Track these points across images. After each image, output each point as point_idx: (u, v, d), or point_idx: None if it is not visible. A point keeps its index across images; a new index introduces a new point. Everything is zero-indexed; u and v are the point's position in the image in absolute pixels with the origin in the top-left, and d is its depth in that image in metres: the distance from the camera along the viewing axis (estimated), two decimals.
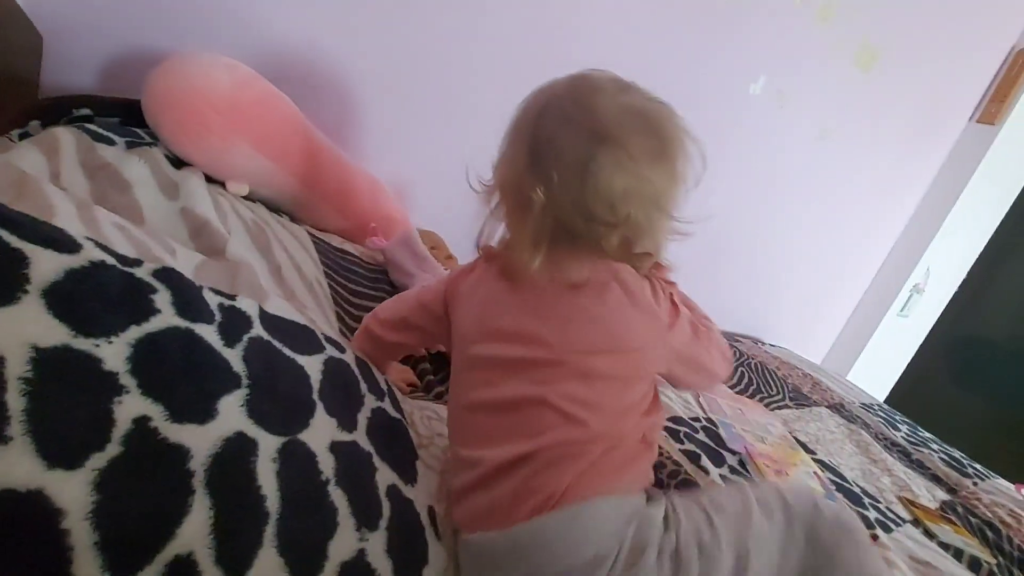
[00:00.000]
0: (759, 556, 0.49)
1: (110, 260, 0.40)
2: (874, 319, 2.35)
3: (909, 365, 2.62)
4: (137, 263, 0.42)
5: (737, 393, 1.36)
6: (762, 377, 1.55)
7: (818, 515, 0.53)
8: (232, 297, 0.48)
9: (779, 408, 1.37)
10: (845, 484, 1.07)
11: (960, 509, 1.18)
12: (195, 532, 0.32)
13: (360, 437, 0.50)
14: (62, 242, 0.38)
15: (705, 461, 0.92)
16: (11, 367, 0.30)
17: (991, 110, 2.06)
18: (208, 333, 0.42)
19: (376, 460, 0.50)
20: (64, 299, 0.34)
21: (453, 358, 0.58)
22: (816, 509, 0.54)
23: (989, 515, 1.19)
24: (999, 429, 2.70)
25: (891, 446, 1.41)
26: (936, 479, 1.31)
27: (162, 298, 0.41)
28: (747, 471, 0.95)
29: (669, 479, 0.79)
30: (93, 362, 0.33)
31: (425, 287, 0.66)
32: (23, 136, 0.66)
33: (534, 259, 0.52)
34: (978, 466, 1.54)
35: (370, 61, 1.08)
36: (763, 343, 2.06)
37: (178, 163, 0.74)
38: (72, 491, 0.29)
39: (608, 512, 0.47)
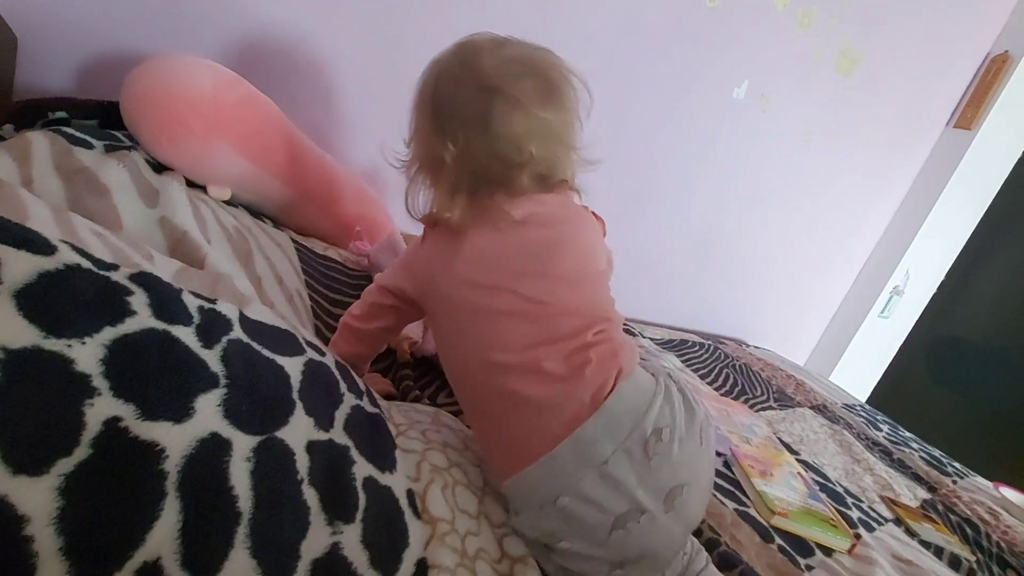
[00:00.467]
0: None
1: (86, 263, 0.40)
2: (855, 321, 2.38)
3: (890, 366, 2.66)
4: (113, 267, 0.42)
5: (722, 395, 1.37)
6: (747, 379, 1.57)
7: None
8: (212, 301, 0.48)
9: (763, 409, 1.38)
10: (828, 484, 1.09)
11: (940, 507, 1.20)
12: (164, 537, 0.32)
13: (337, 434, 0.49)
14: (36, 243, 0.37)
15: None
16: None
17: (967, 115, 2.11)
18: (185, 335, 0.41)
19: (353, 453, 0.49)
20: (36, 301, 0.34)
21: (448, 321, 0.61)
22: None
23: (968, 512, 1.22)
24: (977, 427, 2.75)
25: (873, 446, 1.43)
26: (917, 478, 1.33)
27: (138, 300, 0.40)
28: (732, 472, 0.96)
29: None
30: (65, 363, 0.33)
31: (380, 276, 0.70)
32: None
33: (452, 210, 0.59)
34: (957, 465, 1.56)
35: (354, 62, 1.08)
36: (747, 345, 2.08)
37: (159, 167, 0.73)
38: (36, 497, 0.28)
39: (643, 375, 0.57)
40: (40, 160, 0.59)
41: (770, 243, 2.04)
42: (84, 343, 0.34)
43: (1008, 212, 2.37)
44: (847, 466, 1.23)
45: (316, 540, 0.41)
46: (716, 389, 1.39)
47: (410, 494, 0.52)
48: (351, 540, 0.43)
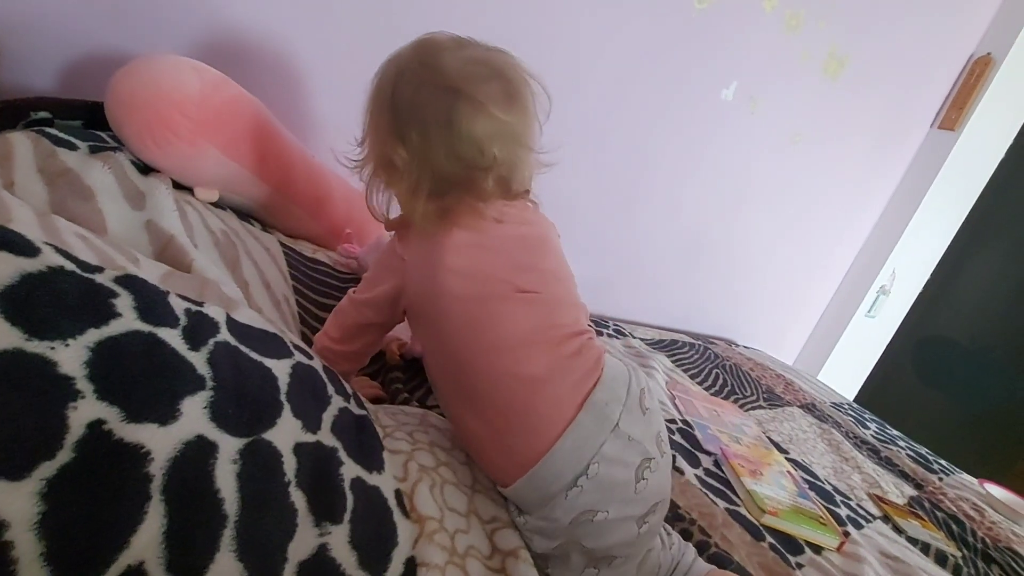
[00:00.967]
0: None
1: (69, 266, 0.39)
2: (843, 320, 2.41)
3: (877, 365, 2.69)
4: (98, 269, 0.41)
5: (712, 395, 1.38)
6: (736, 379, 1.58)
7: None
8: (199, 303, 0.47)
9: (753, 409, 1.39)
10: (817, 482, 1.10)
11: (927, 504, 1.21)
12: (148, 541, 0.31)
13: (324, 436, 0.49)
14: (18, 245, 0.37)
15: (681, 462, 0.93)
16: None
17: (951, 116, 2.14)
18: (172, 337, 0.41)
19: (341, 454, 0.49)
20: (18, 303, 0.33)
21: (442, 319, 0.59)
22: None
23: (954, 509, 1.23)
24: (962, 425, 2.79)
25: (861, 444, 1.45)
26: (904, 475, 1.35)
27: (124, 302, 0.40)
28: (723, 472, 0.97)
29: None
30: (48, 366, 0.32)
31: (354, 293, 0.68)
32: None
33: (420, 211, 0.58)
34: (943, 462, 1.58)
35: (341, 64, 1.08)
36: (737, 345, 2.09)
37: (145, 169, 0.72)
38: (17, 502, 0.28)
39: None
40: (22, 162, 0.58)
41: (759, 243, 2.06)
42: (68, 345, 0.34)
43: (991, 212, 2.41)
44: (836, 464, 1.25)
45: (303, 542, 0.40)
46: (707, 389, 1.40)
47: (398, 494, 0.51)
48: (339, 541, 0.43)
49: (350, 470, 0.48)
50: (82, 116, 0.79)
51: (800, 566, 0.79)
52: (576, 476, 0.52)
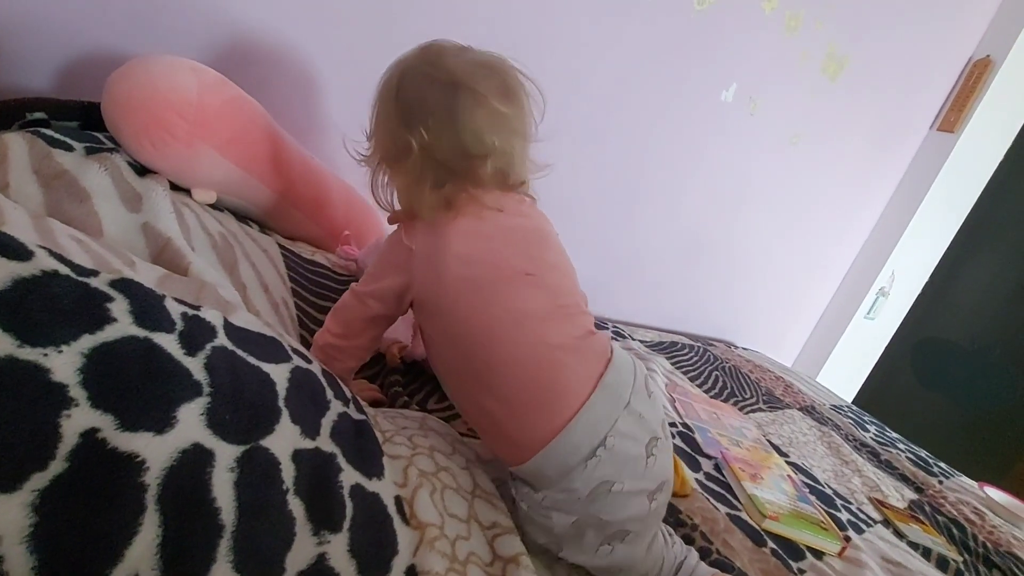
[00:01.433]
0: None
1: (64, 269, 0.39)
2: (842, 322, 2.40)
3: (875, 366, 2.69)
4: (93, 273, 0.41)
5: (712, 397, 1.37)
6: (736, 381, 1.57)
7: None
8: (196, 307, 0.47)
9: (753, 411, 1.39)
10: (818, 486, 1.09)
11: (927, 508, 1.21)
12: (143, 552, 0.31)
13: (323, 442, 0.49)
14: (11, 248, 0.36)
15: (682, 466, 0.93)
16: None
17: (950, 118, 2.14)
18: (168, 342, 0.40)
19: (340, 461, 0.49)
20: (11, 308, 0.32)
21: (456, 305, 0.60)
22: None
23: (955, 513, 1.23)
24: (961, 427, 2.79)
25: (861, 447, 1.44)
26: (904, 479, 1.34)
27: (119, 307, 0.39)
28: (723, 476, 0.96)
29: None
30: (40, 373, 0.32)
31: (357, 286, 0.68)
32: None
33: (426, 201, 0.61)
34: (943, 465, 1.58)
35: (341, 64, 1.07)
36: (736, 346, 2.09)
37: (142, 170, 0.72)
38: (8, 514, 0.27)
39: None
40: (17, 163, 0.58)
41: (758, 244, 2.05)
42: (61, 352, 0.33)
43: (990, 214, 2.41)
44: (836, 468, 1.24)
45: (302, 551, 0.40)
46: (706, 392, 1.39)
47: (398, 500, 0.51)
48: (338, 550, 0.42)
49: (349, 476, 0.47)
50: (78, 117, 0.78)
51: (802, 572, 0.78)
52: (594, 448, 0.55)
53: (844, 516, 1.01)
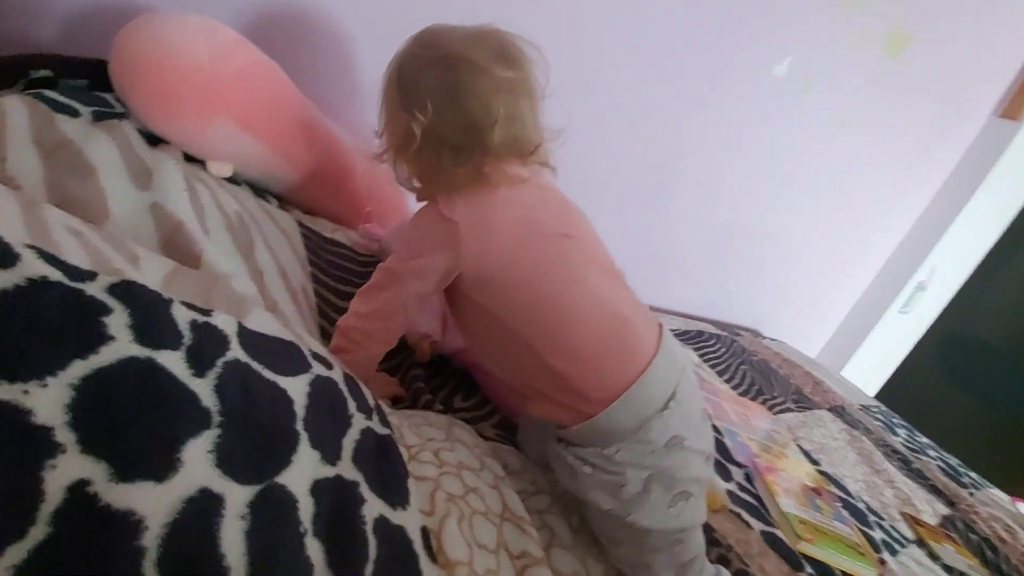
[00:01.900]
0: None
1: (55, 275, 0.33)
2: (874, 315, 2.31)
3: (903, 362, 2.61)
4: (90, 276, 0.36)
5: (740, 395, 1.32)
6: (764, 377, 1.51)
7: None
8: (207, 312, 0.41)
9: (782, 412, 1.33)
10: (850, 500, 1.04)
11: (960, 525, 1.16)
12: None
13: (345, 467, 0.44)
14: None
15: (714, 477, 0.88)
16: None
17: (1015, 105, 1.98)
18: (173, 361, 0.35)
19: (363, 490, 0.44)
20: None
21: (515, 269, 0.60)
22: None
23: (987, 531, 1.18)
24: (987, 426, 2.72)
25: (891, 453, 1.39)
26: (936, 490, 1.29)
27: (117, 321, 0.34)
28: (754, 487, 0.91)
29: None
30: (20, 416, 0.27)
31: (393, 262, 0.64)
32: None
33: (454, 176, 0.60)
34: (973, 475, 1.52)
35: (374, 25, 0.98)
36: (763, 337, 2.02)
37: (154, 138, 0.66)
38: None
39: None
40: (16, 131, 0.52)
41: (793, 232, 1.95)
42: (46, 385, 0.28)
43: None
44: (867, 478, 1.19)
45: None
46: (734, 388, 1.34)
47: (424, 532, 0.47)
48: None
49: (373, 508, 0.43)
50: (87, 75, 0.72)
51: None
52: (666, 400, 0.56)
53: (878, 535, 0.96)
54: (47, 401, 0.28)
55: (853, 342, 2.34)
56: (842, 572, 0.80)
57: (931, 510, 1.17)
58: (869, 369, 2.44)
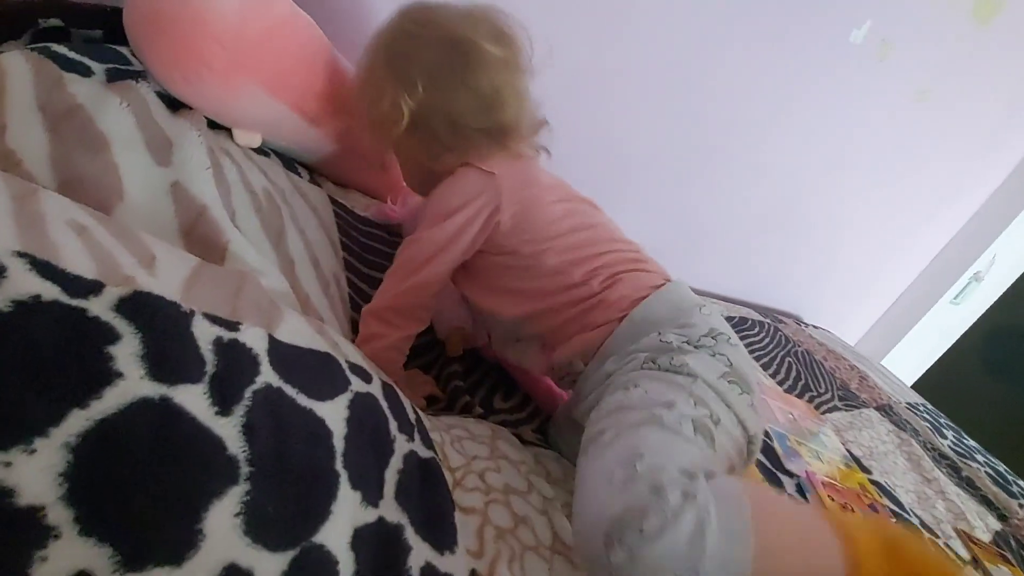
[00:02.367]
0: None
1: (50, 291, 0.27)
2: (924, 304, 2.18)
3: (946, 352, 2.50)
4: (94, 289, 0.29)
5: (785, 391, 1.24)
6: (810, 371, 1.43)
7: None
8: (234, 326, 0.35)
9: (829, 411, 1.26)
10: (904, 514, 0.98)
11: (1013, 542, 1.10)
12: None
13: (388, 507, 0.39)
14: None
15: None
16: None
17: None
18: (194, 399, 0.29)
19: (408, 535, 0.39)
20: None
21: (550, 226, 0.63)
22: None
23: None
24: None
25: (940, 459, 1.31)
26: (987, 502, 1.22)
27: (126, 350, 0.28)
28: (806, 499, 0.85)
29: None
30: (0, 498, 0.21)
31: (425, 233, 0.62)
32: None
33: (470, 146, 0.62)
34: (1022, 483, 1.45)
35: None
36: (805, 324, 1.93)
37: (174, 101, 0.58)
38: None
39: None
40: (18, 96, 0.45)
41: (845, 214, 1.82)
42: (34, 451, 0.22)
43: None
44: (918, 488, 1.12)
45: None
46: (779, 383, 1.27)
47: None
48: None
49: (419, 555, 0.38)
50: (103, 24, 0.64)
51: None
52: (698, 304, 0.60)
53: None
54: (36, 472, 0.22)
55: (898, 331, 2.23)
56: None
57: (983, 525, 1.11)
58: (910, 359, 2.34)
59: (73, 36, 0.62)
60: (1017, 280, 2.29)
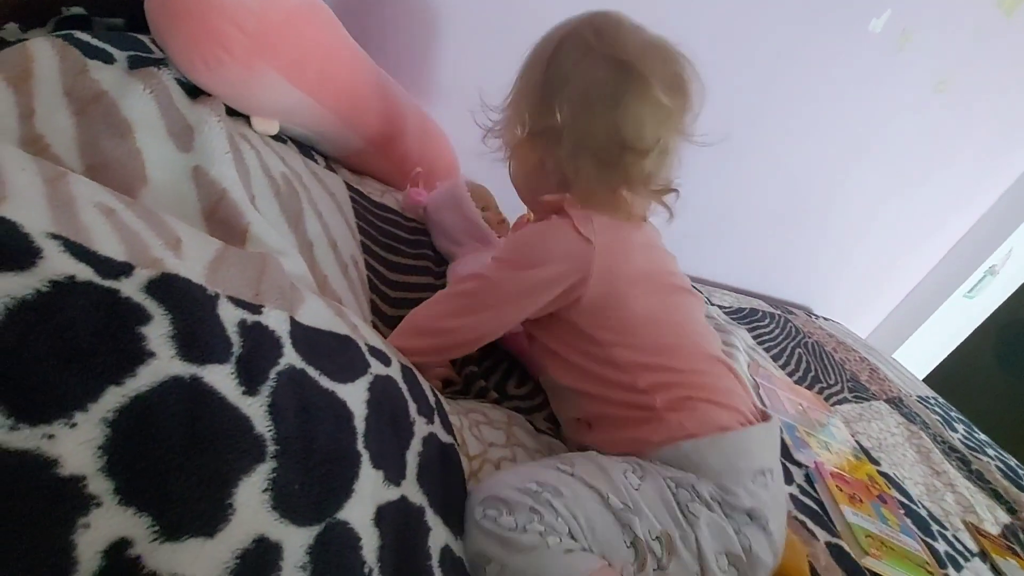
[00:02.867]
0: None
1: (84, 273, 0.28)
2: (938, 298, 2.16)
3: (959, 346, 2.48)
4: (125, 271, 0.30)
5: (795, 382, 1.24)
6: (819, 362, 1.43)
7: None
8: (257, 309, 0.36)
9: (839, 403, 1.26)
10: (912, 506, 0.98)
11: (1022, 535, 1.09)
12: None
13: (410, 487, 0.40)
14: (9, 252, 0.26)
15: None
16: None
17: None
18: (222, 378, 0.30)
19: (428, 516, 0.40)
20: (2, 361, 0.22)
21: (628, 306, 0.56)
22: None
23: None
24: None
25: (950, 451, 1.31)
26: (996, 495, 1.22)
27: (157, 330, 0.29)
28: (815, 491, 0.86)
29: None
30: (44, 469, 0.22)
31: (489, 272, 0.56)
32: None
33: (600, 186, 0.55)
34: None
35: None
36: (816, 316, 1.92)
37: (194, 89, 0.59)
38: None
39: None
40: (45, 82, 0.46)
41: (861, 206, 1.80)
42: (75, 425, 0.23)
43: None
44: (927, 480, 1.12)
45: None
46: (789, 374, 1.26)
47: None
48: None
49: (438, 537, 0.39)
50: (124, 12, 0.65)
51: None
52: (763, 469, 0.52)
53: (942, 547, 0.90)
54: (76, 446, 0.23)
55: (910, 324, 2.21)
56: None
57: (992, 518, 1.10)
58: (923, 353, 2.32)
59: (95, 24, 0.63)
60: None
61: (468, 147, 0.70)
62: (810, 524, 0.77)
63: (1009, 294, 2.31)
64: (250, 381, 0.32)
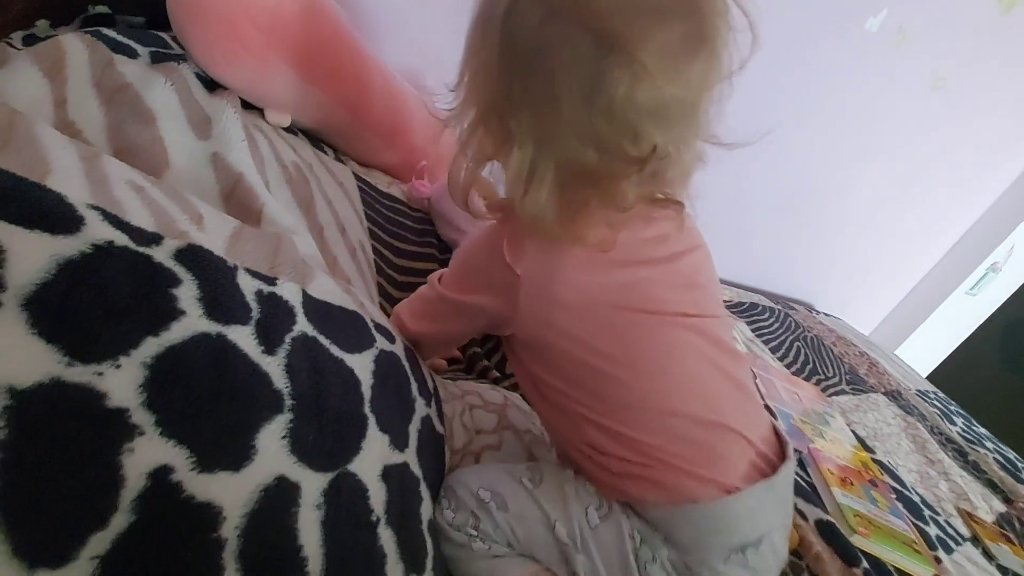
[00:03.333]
0: None
1: (120, 239, 0.31)
2: (939, 295, 2.17)
3: (961, 344, 2.48)
4: (156, 240, 0.33)
5: (793, 374, 1.26)
6: (818, 355, 1.45)
7: None
8: (272, 281, 0.39)
9: (836, 394, 1.28)
10: (904, 491, 1.00)
11: (1017, 524, 1.11)
12: None
13: (411, 457, 0.43)
14: (55, 218, 0.29)
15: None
16: None
17: None
18: (243, 338, 0.33)
19: (423, 488, 0.43)
20: (55, 310, 0.26)
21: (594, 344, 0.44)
22: None
23: None
24: None
25: (947, 443, 1.33)
26: (992, 485, 1.23)
27: (187, 292, 0.32)
28: (808, 474, 0.88)
29: None
30: (95, 400, 0.25)
31: (442, 284, 0.51)
32: (28, 40, 0.55)
33: (534, 202, 0.40)
34: None
35: None
36: (817, 312, 1.93)
37: (211, 83, 0.63)
38: None
39: None
40: (77, 73, 0.49)
41: (863, 202, 1.82)
42: (119, 366, 0.27)
43: None
44: (921, 468, 1.14)
45: None
46: (787, 366, 1.29)
47: None
48: None
49: (427, 509, 0.42)
50: (145, 12, 0.69)
51: None
52: (744, 544, 0.41)
53: (933, 531, 0.92)
54: (121, 382, 0.26)
55: (912, 321, 2.22)
56: (895, 568, 0.77)
57: (987, 506, 1.12)
58: (924, 350, 2.33)
59: (118, 22, 0.67)
60: None
61: None
62: (801, 500, 0.79)
63: (1011, 292, 2.31)
64: (268, 343, 0.35)
